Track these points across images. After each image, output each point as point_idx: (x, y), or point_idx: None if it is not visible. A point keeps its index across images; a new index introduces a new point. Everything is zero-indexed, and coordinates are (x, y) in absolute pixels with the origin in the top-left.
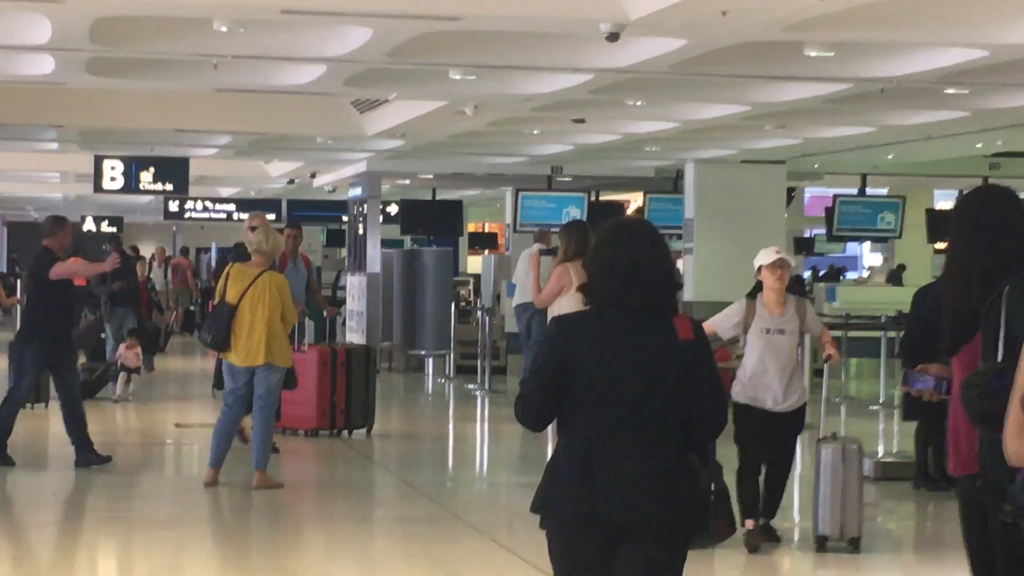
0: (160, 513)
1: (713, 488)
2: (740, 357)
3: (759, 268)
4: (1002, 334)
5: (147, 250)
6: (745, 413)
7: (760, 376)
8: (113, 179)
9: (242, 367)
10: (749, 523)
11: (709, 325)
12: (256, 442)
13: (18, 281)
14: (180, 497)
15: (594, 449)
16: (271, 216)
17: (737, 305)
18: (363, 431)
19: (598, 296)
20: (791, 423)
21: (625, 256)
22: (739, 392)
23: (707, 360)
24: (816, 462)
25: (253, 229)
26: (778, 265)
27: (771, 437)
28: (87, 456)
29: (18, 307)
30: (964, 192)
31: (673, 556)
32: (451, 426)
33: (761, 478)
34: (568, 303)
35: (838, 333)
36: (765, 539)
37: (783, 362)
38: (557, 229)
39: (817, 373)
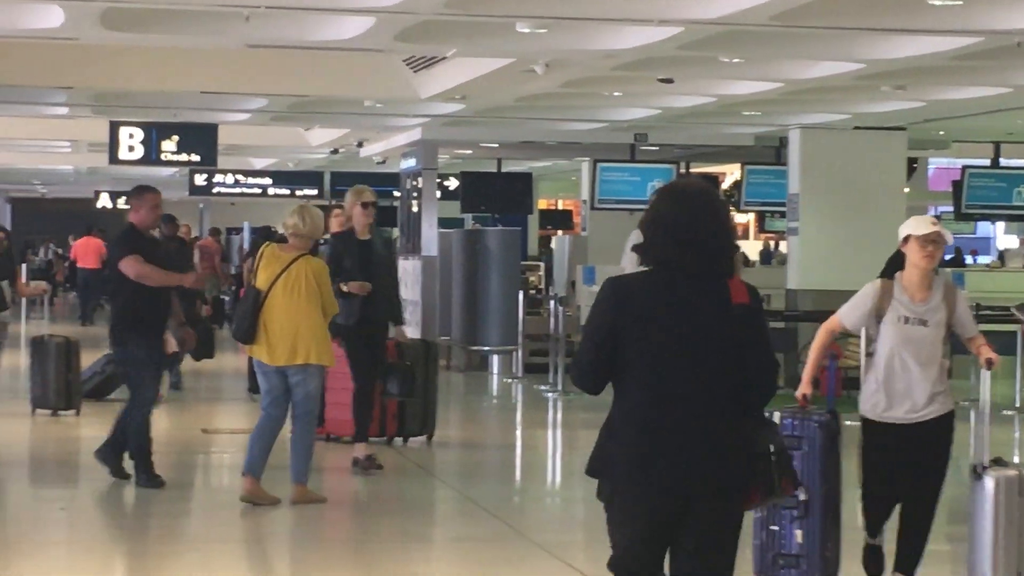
0: (188, 530)
1: (773, 449)
2: (870, 355)
3: (906, 238)
4: None
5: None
6: (872, 430)
7: (893, 378)
8: (131, 148)
9: (272, 366)
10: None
11: (836, 318)
12: (295, 453)
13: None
14: (210, 512)
15: (649, 412)
16: (312, 191)
17: (869, 288)
18: (422, 438)
19: (652, 257)
20: (934, 437)
21: (681, 217)
22: (866, 398)
23: (761, 325)
24: (973, 496)
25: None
26: (932, 240)
27: (907, 459)
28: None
29: (45, 296)
30: None
31: (730, 517)
32: (519, 433)
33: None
34: None
35: None
36: None
37: (924, 361)
38: None
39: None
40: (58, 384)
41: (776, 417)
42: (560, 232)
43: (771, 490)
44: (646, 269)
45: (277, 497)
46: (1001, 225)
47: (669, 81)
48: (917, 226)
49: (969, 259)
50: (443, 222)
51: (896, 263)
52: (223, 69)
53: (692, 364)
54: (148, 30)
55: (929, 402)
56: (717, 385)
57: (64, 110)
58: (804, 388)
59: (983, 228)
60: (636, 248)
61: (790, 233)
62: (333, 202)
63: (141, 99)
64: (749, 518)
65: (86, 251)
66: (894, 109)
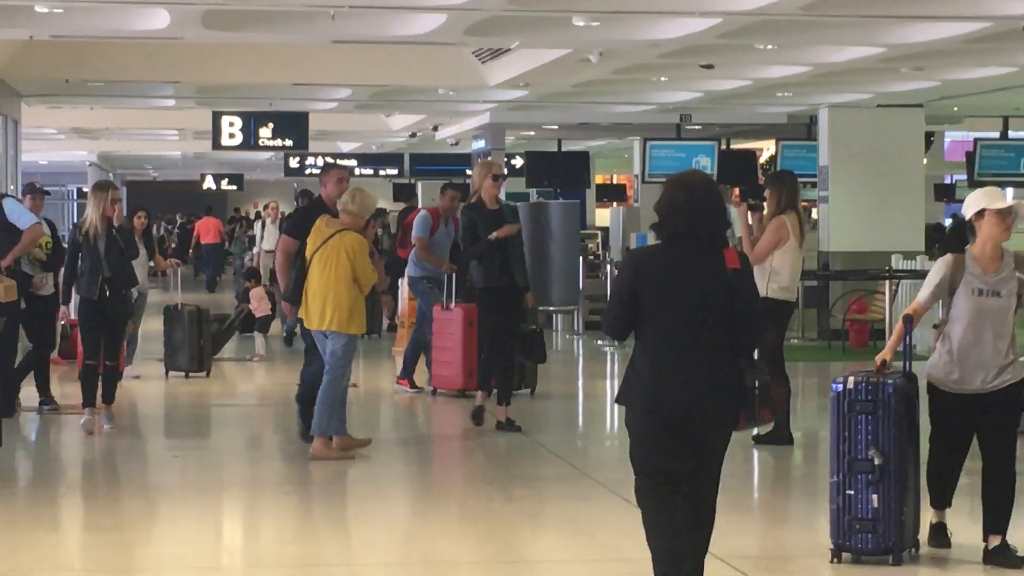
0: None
1: (757, 384)
2: (937, 327)
3: (980, 212)
4: None
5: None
6: (942, 399)
7: (970, 350)
8: (231, 135)
9: (309, 328)
10: (933, 515)
11: (917, 301)
12: (317, 406)
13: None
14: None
15: (662, 353)
16: (393, 171)
17: (941, 263)
18: (526, 392)
19: (665, 233)
20: (1004, 404)
21: (687, 203)
22: (938, 369)
23: (749, 286)
24: None
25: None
26: (1008, 213)
27: (977, 425)
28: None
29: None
30: None
31: (725, 436)
32: (580, 383)
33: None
34: (785, 257)
35: None
36: (1003, 563)
37: (997, 332)
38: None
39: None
40: (191, 348)
41: (851, 381)
42: (615, 204)
43: (753, 416)
44: (659, 243)
45: (367, 439)
46: (1011, 191)
47: (710, 67)
48: (992, 200)
49: None
50: (510, 196)
51: (959, 237)
52: (312, 63)
53: (695, 316)
54: (244, 29)
55: (1000, 372)
56: (715, 333)
57: (171, 102)
58: (885, 354)
59: None
60: (652, 226)
61: (821, 201)
62: (445, 186)
63: (239, 91)
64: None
65: (207, 229)
66: (912, 88)
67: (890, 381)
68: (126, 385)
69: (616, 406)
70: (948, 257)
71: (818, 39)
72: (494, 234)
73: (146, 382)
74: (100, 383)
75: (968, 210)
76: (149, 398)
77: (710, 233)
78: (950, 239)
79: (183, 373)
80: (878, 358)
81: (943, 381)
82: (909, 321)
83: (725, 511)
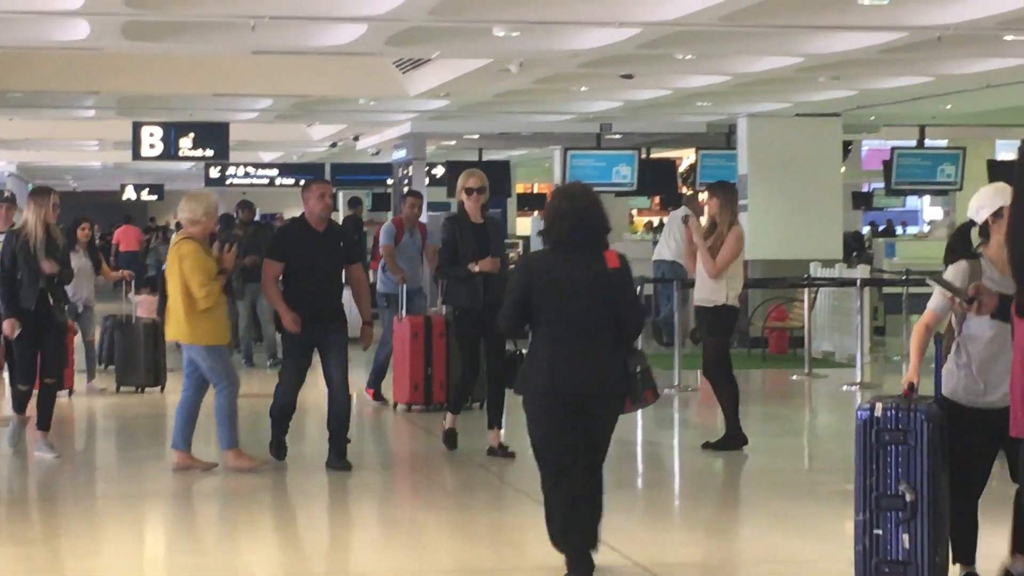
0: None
1: (639, 369)
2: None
3: (999, 211)
4: None
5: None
6: (964, 417)
7: (990, 361)
8: (152, 146)
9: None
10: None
11: (930, 311)
12: (217, 422)
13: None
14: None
15: (553, 344)
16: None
17: (954, 270)
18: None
19: (552, 237)
20: None
21: (571, 211)
22: (961, 385)
23: (628, 283)
24: None
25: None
26: None
27: (997, 449)
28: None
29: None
30: None
31: (612, 416)
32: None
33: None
34: (738, 266)
35: (898, 290)
36: None
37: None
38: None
39: (878, 331)
40: (146, 363)
41: (878, 408)
42: (536, 213)
43: (636, 398)
44: (548, 247)
45: (259, 461)
46: (927, 199)
47: (629, 76)
48: (1007, 196)
49: (899, 230)
50: (432, 206)
51: (965, 241)
52: (233, 73)
53: (582, 310)
54: (165, 40)
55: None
56: (599, 324)
57: (91, 112)
58: (911, 376)
59: (911, 202)
60: (540, 232)
61: (740, 210)
62: (406, 194)
63: (160, 101)
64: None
65: (127, 237)
66: (830, 97)
67: (922, 408)
68: (77, 401)
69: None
70: (963, 264)
71: (737, 49)
72: (474, 267)
73: (97, 397)
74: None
75: (981, 211)
76: (101, 413)
77: (591, 238)
78: (957, 244)
79: (135, 388)
80: (905, 381)
81: (968, 398)
82: (939, 340)
83: (676, 519)
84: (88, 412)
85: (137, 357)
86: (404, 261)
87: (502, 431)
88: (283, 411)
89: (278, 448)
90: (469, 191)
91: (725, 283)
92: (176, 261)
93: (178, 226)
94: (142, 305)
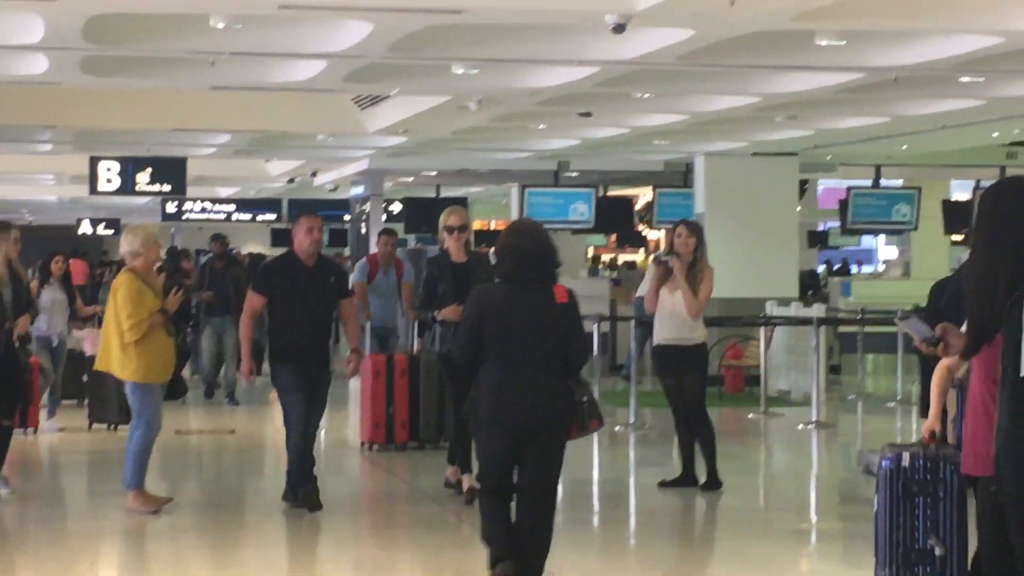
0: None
1: (585, 399)
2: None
3: None
4: (1022, 340)
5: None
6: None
7: None
8: (109, 180)
9: None
10: None
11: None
12: (126, 459)
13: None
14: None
15: (502, 375)
16: (271, 216)
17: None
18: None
19: (503, 272)
20: None
21: (517, 246)
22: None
23: (575, 316)
24: None
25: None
26: None
27: None
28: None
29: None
30: (989, 182)
31: (559, 444)
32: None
33: None
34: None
35: (853, 328)
36: None
37: None
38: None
39: (833, 370)
40: (119, 399)
41: (905, 458)
42: (493, 249)
43: (583, 426)
44: (499, 281)
45: (160, 504)
46: (882, 238)
47: (588, 115)
48: None
49: (855, 268)
50: None
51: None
52: (191, 108)
53: (530, 343)
54: (124, 75)
55: None
56: (547, 356)
57: (48, 146)
58: (932, 423)
59: (867, 241)
60: (492, 267)
61: None
62: (381, 232)
63: (118, 136)
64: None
65: (77, 270)
66: (787, 137)
67: (950, 457)
68: (44, 439)
69: None
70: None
71: (694, 88)
72: (438, 314)
73: (57, 435)
74: None
75: None
76: (69, 451)
77: (540, 273)
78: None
79: (108, 425)
80: (925, 429)
81: None
82: (961, 388)
83: (632, 557)
84: (51, 449)
85: (109, 394)
86: (377, 299)
87: (468, 474)
88: (300, 455)
89: (305, 499)
90: (450, 229)
91: (702, 321)
92: (112, 293)
93: None
94: (87, 339)
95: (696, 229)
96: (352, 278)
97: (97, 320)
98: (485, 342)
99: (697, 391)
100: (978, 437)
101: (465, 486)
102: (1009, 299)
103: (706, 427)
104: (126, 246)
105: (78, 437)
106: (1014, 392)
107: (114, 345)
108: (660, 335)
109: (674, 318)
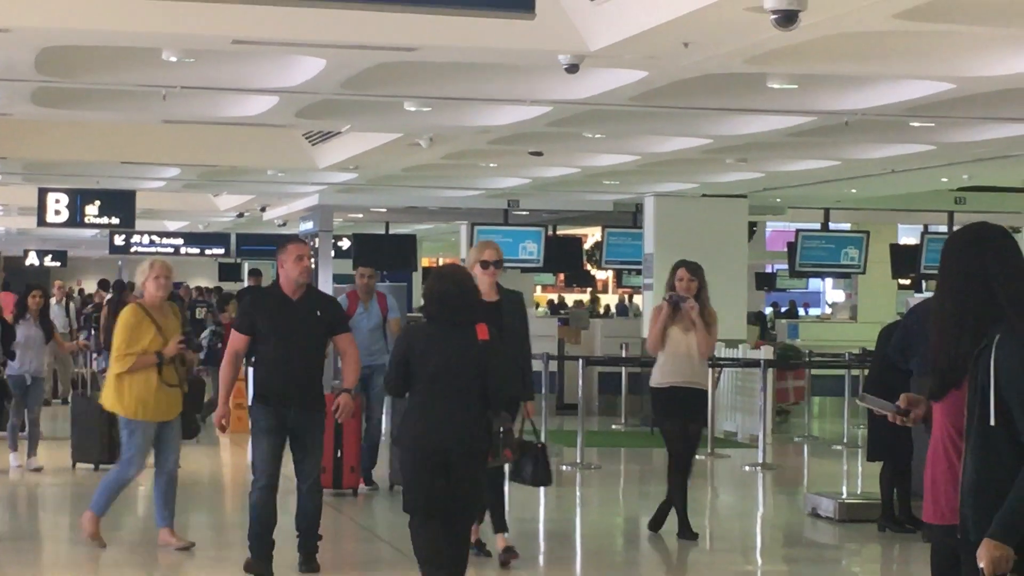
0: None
1: (501, 430)
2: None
3: None
4: (992, 388)
5: (90, 285)
6: None
7: None
8: (57, 212)
9: None
10: None
11: None
12: (99, 486)
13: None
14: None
15: (426, 406)
16: (220, 250)
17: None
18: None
19: (428, 314)
20: None
21: (441, 290)
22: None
23: (496, 352)
24: None
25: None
26: None
27: None
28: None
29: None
30: (937, 227)
31: (478, 470)
32: None
33: None
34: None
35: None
36: None
37: None
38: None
39: (779, 413)
40: (102, 437)
41: None
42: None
43: (496, 454)
44: (426, 321)
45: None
46: (830, 281)
47: (539, 154)
48: None
49: (802, 311)
50: (338, 278)
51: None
52: (141, 141)
53: (452, 377)
54: (74, 107)
55: None
56: (468, 389)
57: None
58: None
59: (814, 284)
60: (420, 308)
61: (645, 288)
62: (357, 266)
63: (67, 168)
64: None
65: (6, 303)
66: (737, 179)
67: None
68: (25, 478)
69: None
70: None
71: (645, 129)
72: None
73: (46, 474)
74: None
75: None
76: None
77: (460, 314)
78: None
79: (92, 465)
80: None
81: None
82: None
83: None
84: (29, 489)
85: (93, 432)
86: (356, 335)
87: (507, 534)
88: (261, 525)
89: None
90: (485, 264)
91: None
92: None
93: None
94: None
95: (697, 270)
96: None
97: (84, 356)
98: (413, 377)
99: (699, 438)
100: (938, 483)
101: (500, 546)
102: (977, 347)
103: (688, 476)
104: (139, 276)
105: (59, 477)
106: (980, 441)
107: (112, 380)
108: (670, 377)
109: (689, 360)
